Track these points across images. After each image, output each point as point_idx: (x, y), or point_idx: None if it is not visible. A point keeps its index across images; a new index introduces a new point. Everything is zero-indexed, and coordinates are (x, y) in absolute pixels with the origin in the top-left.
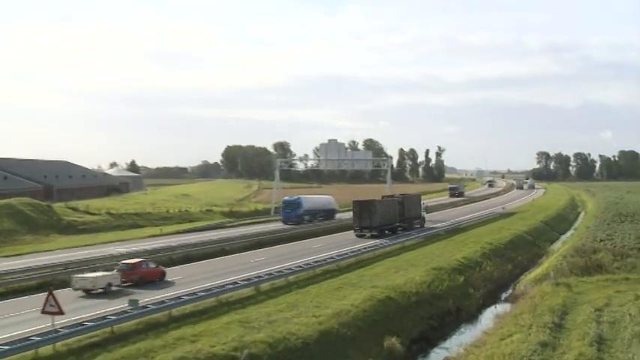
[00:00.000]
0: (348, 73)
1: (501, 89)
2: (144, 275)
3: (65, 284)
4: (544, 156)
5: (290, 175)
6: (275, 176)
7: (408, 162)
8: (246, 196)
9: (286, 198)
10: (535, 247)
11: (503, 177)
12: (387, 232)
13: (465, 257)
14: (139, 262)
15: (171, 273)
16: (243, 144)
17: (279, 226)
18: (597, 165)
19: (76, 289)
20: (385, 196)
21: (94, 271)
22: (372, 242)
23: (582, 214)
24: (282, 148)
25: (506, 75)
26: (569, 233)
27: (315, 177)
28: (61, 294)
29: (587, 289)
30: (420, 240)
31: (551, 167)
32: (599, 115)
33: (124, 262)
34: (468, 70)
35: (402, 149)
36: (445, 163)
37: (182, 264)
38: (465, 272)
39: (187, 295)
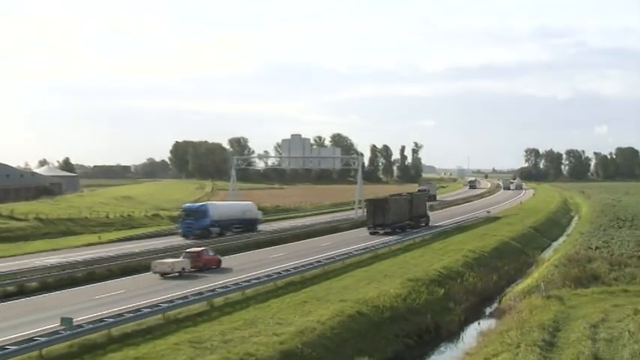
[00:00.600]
0: (316, 60)
1: (485, 79)
2: (206, 262)
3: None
4: (533, 153)
5: (248, 175)
6: (231, 176)
7: (381, 160)
8: (198, 199)
9: (187, 205)
10: (523, 255)
11: (486, 177)
12: (397, 230)
13: (444, 267)
14: (202, 250)
15: (111, 286)
16: (196, 139)
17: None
18: (592, 163)
19: (155, 273)
20: (393, 195)
21: (171, 257)
22: (341, 250)
23: (576, 218)
24: (240, 144)
25: (490, 63)
26: (561, 240)
27: (276, 177)
28: (142, 277)
29: (581, 302)
30: (399, 246)
31: (541, 166)
32: (594, 108)
33: (188, 250)
34: (448, 57)
35: (374, 146)
36: (423, 162)
37: (123, 276)
38: (445, 284)
39: (129, 312)
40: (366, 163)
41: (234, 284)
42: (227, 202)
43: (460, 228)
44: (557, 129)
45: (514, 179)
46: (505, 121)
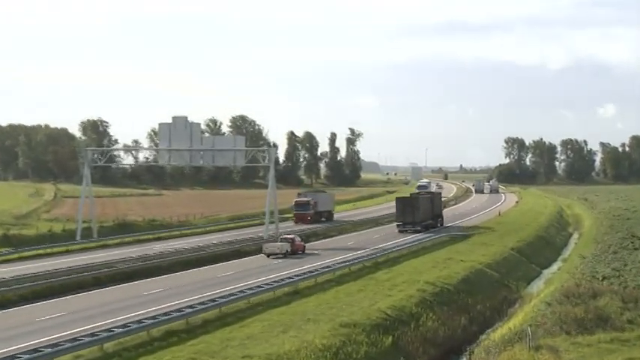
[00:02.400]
0: (209, 9)
1: (448, 40)
2: (298, 247)
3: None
4: (516, 145)
5: (110, 175)
6: (84, 177)
7: (304, 154)
8: (33, 210)
9: None
10: (503, 288)
11: (446, 177)
12: (420, 228)
13: (393, 306)
14: (295, 236)
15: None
16: (27, 122)
17: (88, 257)
18: (597, 158)
19: (265, 254)
20: (414, 194)
21: (276, 241)
22: (247, 283)
23: (575, 235)
24: (97, 130)
25: (455, 19)
26: (555, 267)
27: (151, 178)
28: (258, 258)
29: (583, 354)
30: (328, 277)
31: (528, 162)
32: (596, 81)
33: (284, 236)
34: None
35: (292, 134)
36: (363, 157)
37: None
38: (394, 330)
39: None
40: (282, 157)
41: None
42: None
43: (415, 251)
44: (548, 111)
45: (489, 180)
46: (476, 99)
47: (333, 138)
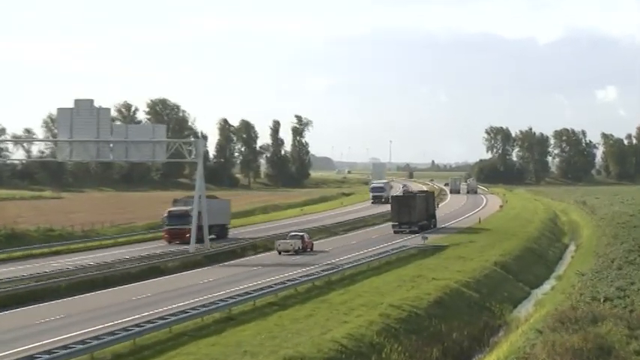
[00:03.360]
0: None
1: (417, 9)
2: (308, 244)
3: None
4: (500, 137)
5: None
6: None
7: (240, 147)
8: None
9: None
10: (485, 312)
11: (411, 176)
12: (417, 229)
13: (349, 335)
14: (304, 233)
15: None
16: None
17: None
18: (598, 153)
19: (278, 250)
20: (407, 192)
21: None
22: (168, 308)
23: (571, 247)
24: None
25: None
26: (547, 285)
27: (48, 177)
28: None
29: None
30: (271, 299)
31: (514, 158)
32: (596, 58)
33: (294, 233)
34: None
35: (225, 122)
36: (313, 151)
37: None
38: None
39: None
40: (212, 151)
41: None
42: None
43: (376, 268)
44: (538, 95)
45: (467, 180)
46: (451, 81)
47: (275, 127)
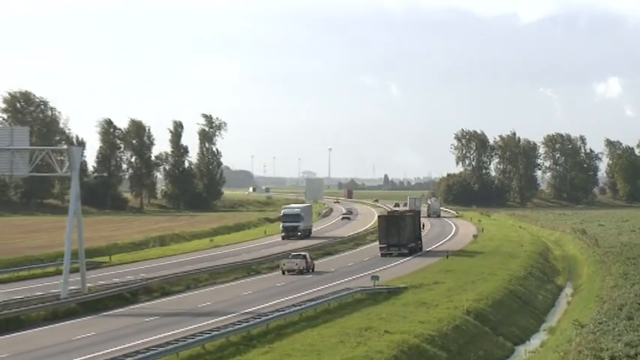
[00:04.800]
0: None
1: None
2: (310, 265)
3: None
4: (473, 144)
5: None
6: None
7: (129, 157)
8: None
9: None
10: None
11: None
12: (406, 251)
13: None
14: (306, 253)
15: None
16: None
17: None
18: (602, 165)
19: (282, 270)
20: (394, 211)
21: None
22: None
23: (567, 289)
24: None
25: None
26: (536, 340)
27: None
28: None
29: None
30: None
31: (492, 172)
32: (595, 41)
33: (295, 253)
34: None
35: (109, 124)
36: (228, 164)
37: None
38: None
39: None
40: (92, 163)
41: None
42: None
43: (312, 317)
44: (523, 89)
45: (430, 199)
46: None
47: (177, 131)
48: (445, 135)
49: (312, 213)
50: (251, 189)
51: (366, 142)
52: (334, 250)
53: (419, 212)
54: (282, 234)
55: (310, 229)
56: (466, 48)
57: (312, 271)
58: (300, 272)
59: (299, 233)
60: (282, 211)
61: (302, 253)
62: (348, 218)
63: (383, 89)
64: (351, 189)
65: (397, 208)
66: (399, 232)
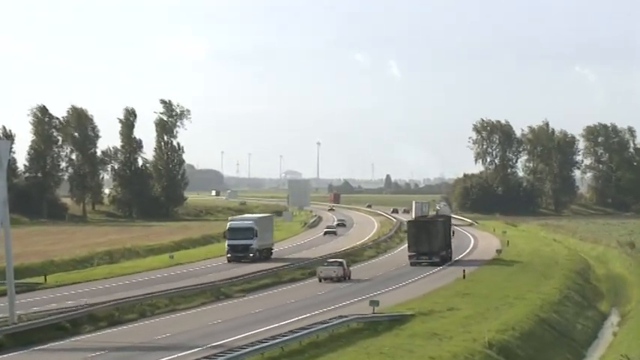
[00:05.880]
0: None
1: None
2: (347, 272)
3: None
4: (496, 137)
5: None
6: None
7: (68, 153)
8: None
9: None
10: None
11: (336, 200)
12: (438, 260)
13: None
14: (343, 260)
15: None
16: None
17: None
18: None
19: (319, 278)
20: (422, 216)
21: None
22: None
23: (613, 317)
24: None
25: None
26: None
27: None
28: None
29: None
30: None
31: (519, 172)
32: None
33: (331, 260)
34: None
35: (42, 111)
36: (192, 161)
37: None
38: None
39: None
40: (23, 161)
41: None
42: None
43: (297, 351)
44: (552, 67)
45: (439, 205)
46: (406, 44)
47: (129, 121)
48: (460, 126)
49: (272, 226)
50: (214, 192)
51: (363, 134)
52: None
53: (449, 217)
54: (228, 255)
55: (270, 249)
56: (484, 18)
57: (349, 279)
58: (338, 280)
59: (251, 254)
60: (228, 225)
61: (338, 260)
62: (334, 233)
63: (380, 69)
64: (338, 192)
65: (396, 215)
66: (430, 240)
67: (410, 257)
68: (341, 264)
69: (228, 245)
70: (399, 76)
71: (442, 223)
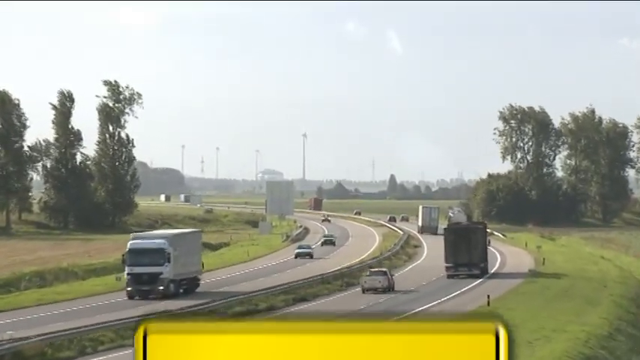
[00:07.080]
0: None
1: None
2: (391, 283)
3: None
4: (530, 127)
5: None
6: None
7: None
8: None
9: None
10: None
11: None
12: (478, 272)
13: None
14: (386, 269)
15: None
16: None
17: None
18: None
19: (363, 289)
20: (457, 223)
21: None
22: None
23: None
24: None
25: None
26: None
27: None
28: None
29: None
30: None
31: (558, 171)
32: None
33: (375, 269)
34: None
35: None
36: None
37: None
38: None
39: None
40: None
41: None
42: None
43: None
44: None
45: (454, 209)
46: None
47: (65, 107)
48: (481, 114)
49: (198, 247)
50: (162, 197)
51: (360, 125)
52: None
53: (486, 225)
54: (128, 289)
55: (196, 278)
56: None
57: (393, 290)
58: (384, 291)
59: (161, 287)
60: (129, 245)
61: (382, 269)
62: (309, 255)
63: (379, 42)
64: (319, 197)
65: (395, 224)
66: (470, 249)
67: (447, 269)
68: (385, 273)
69: (128, 275)
70: (400, 50)
71: (482, 231)
